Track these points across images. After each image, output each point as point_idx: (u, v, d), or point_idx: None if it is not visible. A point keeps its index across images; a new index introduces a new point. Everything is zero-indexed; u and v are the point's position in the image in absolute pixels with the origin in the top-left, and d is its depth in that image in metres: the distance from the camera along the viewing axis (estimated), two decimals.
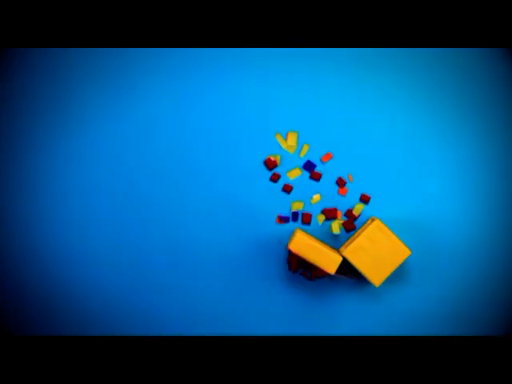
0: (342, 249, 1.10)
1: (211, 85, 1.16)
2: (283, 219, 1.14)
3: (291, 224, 1.15)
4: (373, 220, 1.10)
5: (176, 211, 1.17)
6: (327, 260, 1.07)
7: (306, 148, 1.15)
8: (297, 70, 1.16)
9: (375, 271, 1.08)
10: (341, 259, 1.07)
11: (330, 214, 1.14)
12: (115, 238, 1.17)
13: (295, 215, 1.14)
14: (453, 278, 1.17)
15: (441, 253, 1.16)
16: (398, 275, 1.16)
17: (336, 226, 1.13)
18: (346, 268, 1.15)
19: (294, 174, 1.15)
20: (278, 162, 1.14)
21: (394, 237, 1.09)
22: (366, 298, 1.16)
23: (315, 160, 1.16)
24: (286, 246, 1.13)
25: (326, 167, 1.16)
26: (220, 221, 1.17)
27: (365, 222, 1.15)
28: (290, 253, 1.12)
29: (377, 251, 1.08)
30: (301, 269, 1.14)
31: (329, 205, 1.16)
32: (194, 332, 1.17)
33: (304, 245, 1.07)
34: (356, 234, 1.12)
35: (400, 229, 1.16)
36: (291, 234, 1.13)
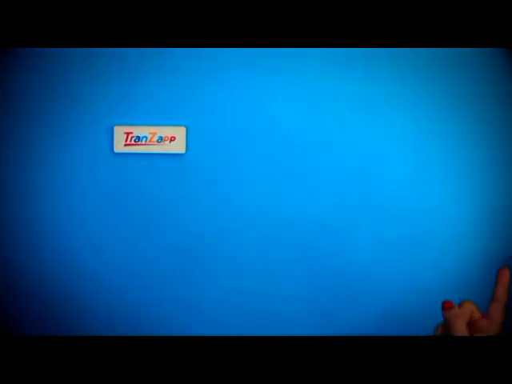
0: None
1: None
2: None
3: None
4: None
5: (179, 212, 1.17)
6: None
7: None
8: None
9: None
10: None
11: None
12: (116, 238, 1.17)
13: None
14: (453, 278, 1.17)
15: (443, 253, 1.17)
16: (399, 275, 1.16)
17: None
18: None
19: None
20: None
21: None
22: (367, 298, 1.16)
23: None
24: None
25: None
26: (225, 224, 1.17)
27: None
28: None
29: None
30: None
31: None
32: (194, 332, 1.17)
33: None
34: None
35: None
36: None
